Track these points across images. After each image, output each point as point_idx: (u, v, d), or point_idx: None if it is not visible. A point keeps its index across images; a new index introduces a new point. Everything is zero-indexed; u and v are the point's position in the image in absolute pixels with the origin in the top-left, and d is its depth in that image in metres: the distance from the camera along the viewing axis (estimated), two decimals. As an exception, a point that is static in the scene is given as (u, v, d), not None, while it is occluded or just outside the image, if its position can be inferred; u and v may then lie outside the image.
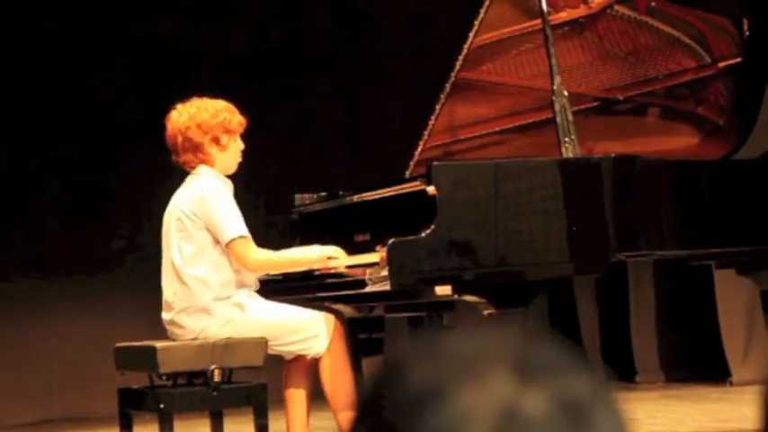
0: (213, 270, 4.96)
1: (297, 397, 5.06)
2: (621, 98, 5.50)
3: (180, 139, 5.02)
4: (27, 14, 8.66)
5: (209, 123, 5.02)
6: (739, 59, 5.53)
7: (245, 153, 5.12)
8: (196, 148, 5.01)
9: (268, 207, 8.27)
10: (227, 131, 5.04)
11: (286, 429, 5.10)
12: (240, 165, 5.13)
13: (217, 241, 4.95)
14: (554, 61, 5.05)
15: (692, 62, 5.55)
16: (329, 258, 4.98)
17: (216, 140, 5.03)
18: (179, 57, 8.84)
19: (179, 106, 5.10)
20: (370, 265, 4.66)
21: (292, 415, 5.06)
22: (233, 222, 4.93)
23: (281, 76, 9.14)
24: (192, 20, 8.98)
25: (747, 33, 5.52)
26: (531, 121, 5.45)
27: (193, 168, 5.06)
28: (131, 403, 5.08)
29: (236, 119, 5.07)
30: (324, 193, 5.67)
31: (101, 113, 8.73)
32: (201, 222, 4.96)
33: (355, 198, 5.30)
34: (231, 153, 5.06)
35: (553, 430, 0.86)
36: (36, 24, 8.67)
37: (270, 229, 7.32)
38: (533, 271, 4.62)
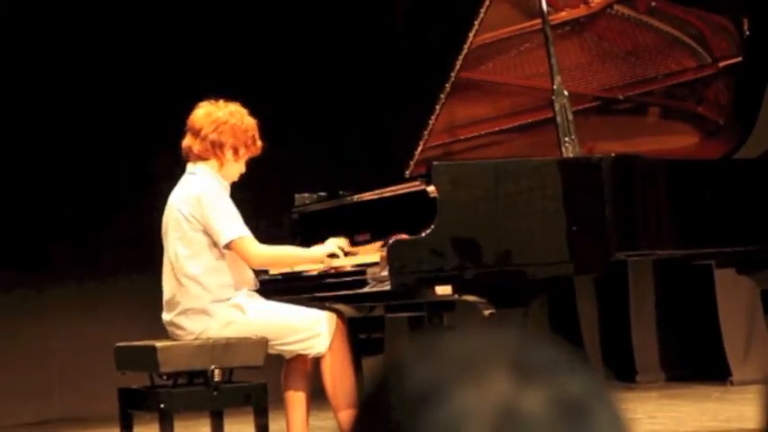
0: (209, 272, 4.95)
1: (296, 397, 5.06)
2: (621, 98, 5.50)
3: (210, 128, 5.00)
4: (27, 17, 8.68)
5: (241, 130, 5.03)
6: (739, 59, 5.53)
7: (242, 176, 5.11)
8: (218, 144, 5.01)
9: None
10: (248, 148, 5.05)
11: (286, 429, 5.10)
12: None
13: (213, 243, 4.95)
14: (554, 61, 5.05)
15: (692, 62, 5.55)
16: (331, 256, 4.98)
17: (236, 149, 5.02)
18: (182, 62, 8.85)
19: (220, 102, 5.08)
20: (371, 265, 4.67)
21: (292, 415, 5.06)
22: (230, 223, 4.92)
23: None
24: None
25: (747, 33, 5.52)
26: (531, 120, 5.45)
27: (199, 159, 5.04)
28: (132, 403, 5.08)
29: (259, 141, 5.08)
30: (324, 193, 5.66)
31: (98, 116, 8.73)
32: (199, 224, 4.95)
33: (355, 198, 5.30)
34: (238, 167, 5.06)
35: (552, 429, 0.86)
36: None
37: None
38: (533, 271, 4.63)
